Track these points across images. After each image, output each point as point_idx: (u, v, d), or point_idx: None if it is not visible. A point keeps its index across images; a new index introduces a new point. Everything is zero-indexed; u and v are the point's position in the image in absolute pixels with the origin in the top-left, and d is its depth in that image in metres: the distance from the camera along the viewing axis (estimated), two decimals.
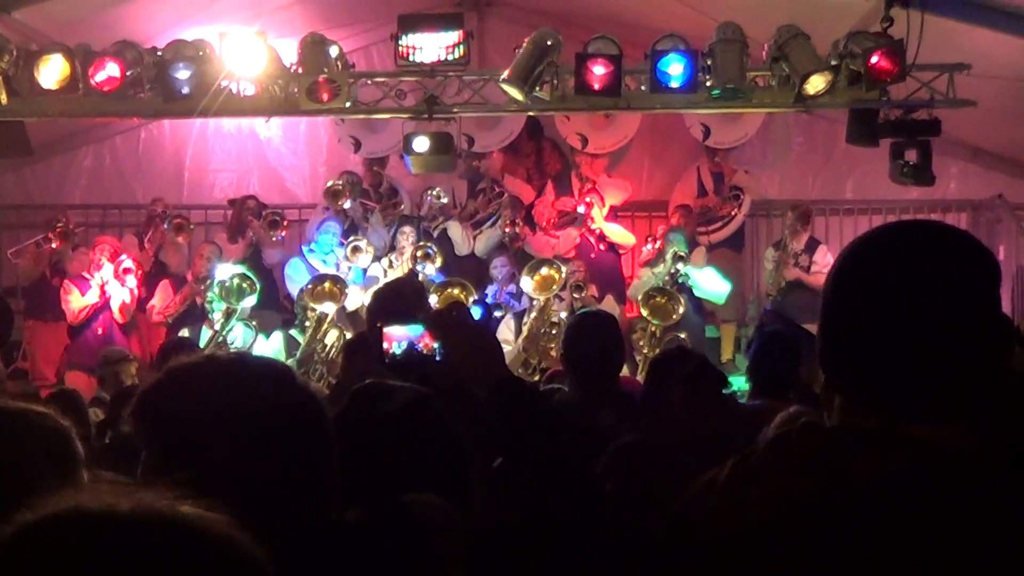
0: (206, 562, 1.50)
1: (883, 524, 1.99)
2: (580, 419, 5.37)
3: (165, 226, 13.97)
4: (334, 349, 12.65)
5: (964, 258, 2.15)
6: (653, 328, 12.80)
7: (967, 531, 1.97)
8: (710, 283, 13.53)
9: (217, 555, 1.52)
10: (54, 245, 13.59)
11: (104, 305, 13.18)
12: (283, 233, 13.90)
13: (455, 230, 14.06)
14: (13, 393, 7.94)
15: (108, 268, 13.19)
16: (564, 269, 13.15)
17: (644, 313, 12.91)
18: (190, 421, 2.41)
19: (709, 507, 2.19)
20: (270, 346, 12.82)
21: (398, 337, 3.44)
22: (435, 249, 13.36)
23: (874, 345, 2.12)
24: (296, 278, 13.64)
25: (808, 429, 2.19)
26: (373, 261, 13.62)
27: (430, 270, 13.22)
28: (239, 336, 12.79)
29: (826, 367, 2.24)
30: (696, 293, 13.42)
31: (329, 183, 13.97)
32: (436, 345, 3.37)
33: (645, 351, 12.55)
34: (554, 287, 13.02)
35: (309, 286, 12.79)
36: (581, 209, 14.02)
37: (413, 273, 13.19)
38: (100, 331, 13.10)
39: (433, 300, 12.11)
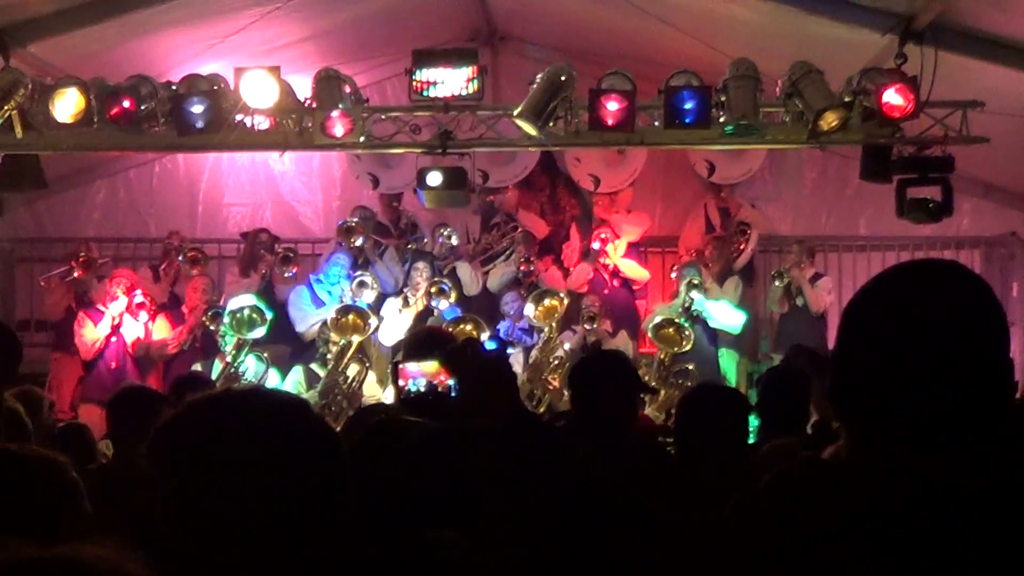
0: None
1: (879, 556, 2.00)
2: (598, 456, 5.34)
3: (180, 259, 14.02)
4: (355, 382, 12.65)
5: (969, 298, 2.18)
6: (662, 356, 12.83)
7: (961, 563, 1.98)
8: (723, 314, 13.54)
9: None
10: (76, 275, 13.59)
11: (117, 338, 13.21)
12: (295, 269, 13.89)
13: (464, 271, 14.04)
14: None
15: (123, 301, 13.23)
16: (567, 300, 13.17)
17: (654, 342, 12.95)
18: (207, 454, 2.40)
19: (714, 542, 2.20)
20: (289, 380, 12.82)
21: (413, 374, 3.44)
22: (449, 285, 13.37)
23: (878, 380, 2.16)
24: (302, 305, 13.61)
25: (809, 463, 2.21)
26: (388, 297, 13.62)
27: (444, 306, 13.24)
28: (251, 368, 12.79)
29: (833, 400, 2.26)
30: (711, 324, 13.44)
31: (343, 220, 14.00)
32: (451, 381, 3.37)
33: (652, 383, 12.51)
34: (556, 315, 13.04)
35: (333, 317, 12.79)
36: (596, 245, 14.02)
37: (427, 310, 13.23)
38: (113, 364, 13.13)
39: None
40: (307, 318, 13.37)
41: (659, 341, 12.98)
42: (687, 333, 12.97)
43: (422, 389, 3.45)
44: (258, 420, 2.45)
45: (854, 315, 2.26)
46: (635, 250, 14.54)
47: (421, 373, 3.45)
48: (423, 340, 5.53)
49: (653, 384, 12.29)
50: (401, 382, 3.47)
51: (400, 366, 3.51)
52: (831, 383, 2.27)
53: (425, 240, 14.39)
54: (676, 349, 12.98)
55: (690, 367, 12.79)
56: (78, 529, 2.71)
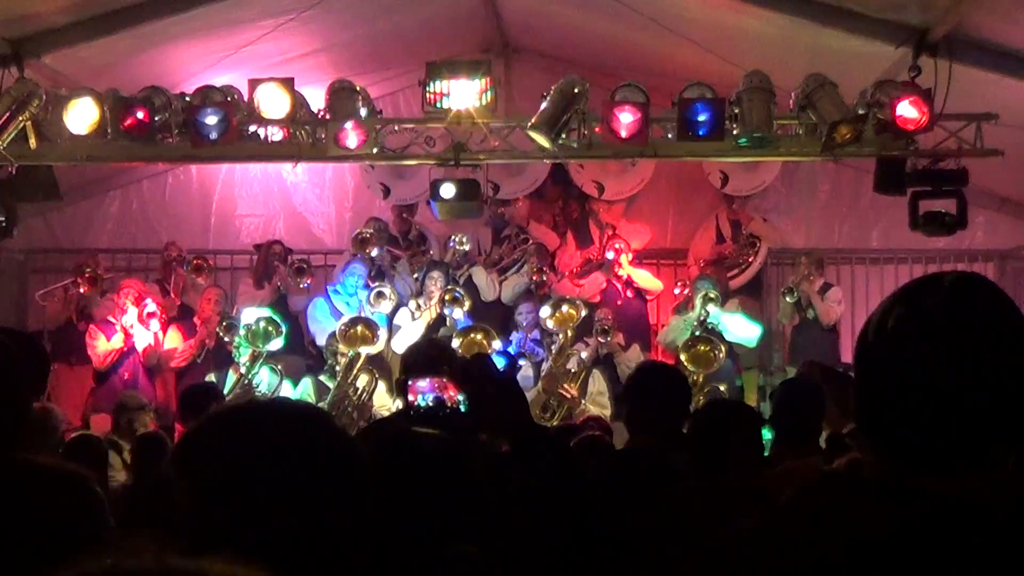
0: None
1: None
2: (653, 464, 5.37)
3: (184, 269, 14.05)
4: (365, 393, 12.65)
5: (992, 311, 2.15)
6: (695, 378, 12.70)
7: None
8: (740, 328, 13.49)
9: None
10: (82, 290, 13.62)
11: (129, 349, 13.22)
12: (309, 281, 13.88)
13: (480, 276, 14.05)
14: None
15: (133, 312, 13.24)
16: (584, 308, 13.15)
17: (686, 363, 12.80)
18: (231, 465, 2.40)
19: (735, 559, 2.18)
20: (298, 391, 12.81)
21: (423, 390, 3.43)
22: (463, 293, 13.35)
23: (902, 397, 2.12)
24: (320, 318, 13.64)
25: (829, 481, 2.19)
26: (398, 308, 13.62)
27: (458, 314, 13.23)
28: (265, 380, 12.79)
29: (857, 418, 2.24)
30: (727, 337, 13.37)
31: (357, 231, 14.00)
32: (460, 397, 3.36)
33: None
34: (572, 324, 13.01)
35: (341, 328, 12.79)
36: (610, 255, 14.00)
37: (440, 318, 13.23)
38: (126, 375, 13.14)
39: (455, 343, 12.12)
40: (327, 331, 13.37)
41: (692, 361, 12.81)
42: (719, 353, 12.89)
43: (431, 404, 3.44)
44: (281, 431, 2.45)
45: (875, 331, 2.22)
46: (639, 260, 14.49)
47: (431, 388, 3.44)
48: (429, 353, 5.54)
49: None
50: (411, 397, 3.46)
51: (409, 382, 3.50)
52: (856, 401, 2.24)
53: (432, 252, 14.41)
54: (710, 367, 12.83)
55: (722, 388, 12.68)
56: (101, 544, 2.71)
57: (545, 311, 13.13)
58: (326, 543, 2.40)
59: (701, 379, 12.69)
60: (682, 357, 12.89)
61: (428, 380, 3.45)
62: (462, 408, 3.36)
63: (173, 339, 13.61)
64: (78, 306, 13.79)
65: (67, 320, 13.78)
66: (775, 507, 2.20)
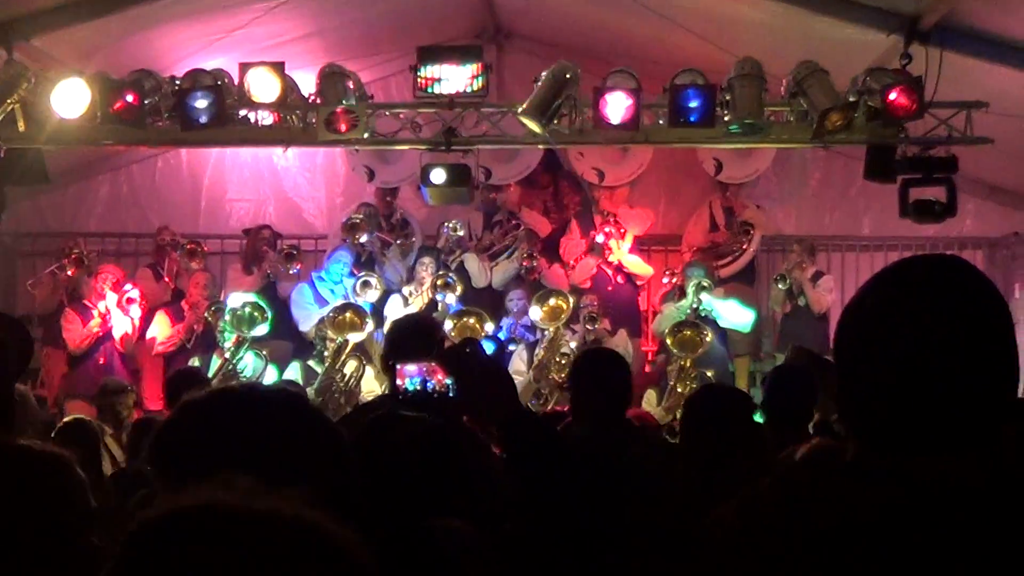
0: (326, 564, 1.58)
1: (884, 558, 1.98)
2: (603, 452, 5.36)
3: (177, 253, 14.00)
4: (353, 379, 12.64)
5: (970, 292, 2.14)
6: (684, 363, 12.73)
7: (960, 565, 1.96)
8: (734, 314, 13.50)
9: (337, 559, 1.60)
10: (69, 272, 13.57)
11: (106, 335, 13.16)
12: (299, 266, 13.84)
13: (472, 262, 14.04)
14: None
15: (111, 297, 13.17)
16: (572, 300, 13.15)
17: (672, 348, 12.86)
18: (205, 453, 2.39)
19: (717, 541, 2.18)
20: (286, 376, 12.79)
21: (410, 374, 3.43)
22: (455, 278, 13.35)
23: (880, 380, 2.12)
24: (301, 303, 13.59)
25: (812, 465, 2.20)
26: (391, 294, 13.60)
27: (450, 299, 13.23)
28: (249, 365, 12.76)
29: (838, 401, 2.24)
30: (720, 324, 13.39)
31: (347, 216, 13.98)
32: (449, 381, 3.36)
33: (678, 388, 12.55)
34: (562, 317, 13.01)
35: (331, 315, 12.77)
36: (600, 238, 13.99)
37: (432, 303, 13.21)
38: (101, 360, 13.05)
39: (448, 327, 12.12)
40: (310, 317, 13.35)
41: (679, 347, 12.86)
42: (705, 338, 12.87)
43: (419, 388, 3.44)
44: (255, 418, 2.44)
45: (850, 313, 2.22)
46: (637, 247, 14.50)
47: (419, 372, 3.43)
48: (416, 329, 5.53)
49: (678, 388, 12.42)
50: (399, 381, 3.45)
51: (397, 366, 3.50)
52: (837, 385, 2.24)
53: (413, 239, 14.40)
54: (696, 351, 12.85)
55: (709, 374, 12.69)
56: (83, 528, 2.71)
57: (534, 312, 13.11)
58: None
59: (688, 364, 12.73)
60: (668, 342, 12.93)
61: (416, 364, 3.44)
62: (451, 392, 3.35)
63: (162, 324, 13.55)
64: (67, 289, 13.73)
65: (58, 304, 13.71)
66: (757, 491, 2.20)
